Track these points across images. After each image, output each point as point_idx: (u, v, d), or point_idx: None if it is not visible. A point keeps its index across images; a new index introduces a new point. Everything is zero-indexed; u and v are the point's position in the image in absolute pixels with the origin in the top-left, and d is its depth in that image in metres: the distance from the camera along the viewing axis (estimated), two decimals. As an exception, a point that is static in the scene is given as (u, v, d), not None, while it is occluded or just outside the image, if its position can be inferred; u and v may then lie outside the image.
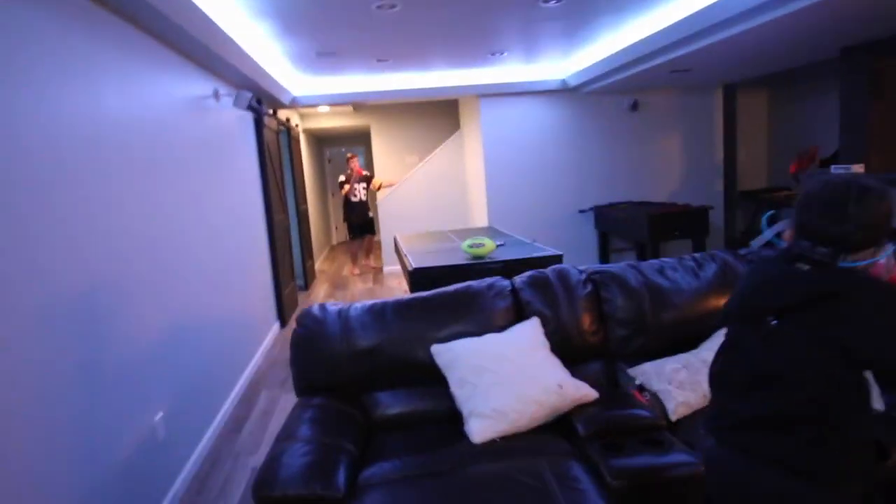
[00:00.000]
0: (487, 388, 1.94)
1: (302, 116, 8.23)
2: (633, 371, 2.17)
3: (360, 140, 10.94)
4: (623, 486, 1.60)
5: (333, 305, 2.37)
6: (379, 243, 7.65)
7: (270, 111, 5.33)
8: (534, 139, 6.34)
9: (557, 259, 3.68)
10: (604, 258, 6.56)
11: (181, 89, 3.15)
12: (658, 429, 1.85)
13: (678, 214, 5.27)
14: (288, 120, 6.35)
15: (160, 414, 2.43)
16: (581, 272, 2.42)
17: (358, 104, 7.42)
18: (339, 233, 11.08)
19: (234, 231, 4.05)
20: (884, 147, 4.36)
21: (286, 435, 1.87)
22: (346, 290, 6.72)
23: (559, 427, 1.94)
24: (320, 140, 10.13)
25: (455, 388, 2.01)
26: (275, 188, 5.25)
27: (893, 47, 4.13)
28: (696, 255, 2.52)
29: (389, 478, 1.75)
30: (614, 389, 2.14)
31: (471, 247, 3.75)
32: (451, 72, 5.81)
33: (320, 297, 6.41)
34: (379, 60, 4.76)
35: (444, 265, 3.61)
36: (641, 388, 2.10)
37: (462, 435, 1.95)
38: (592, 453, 1.75)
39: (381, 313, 2.27)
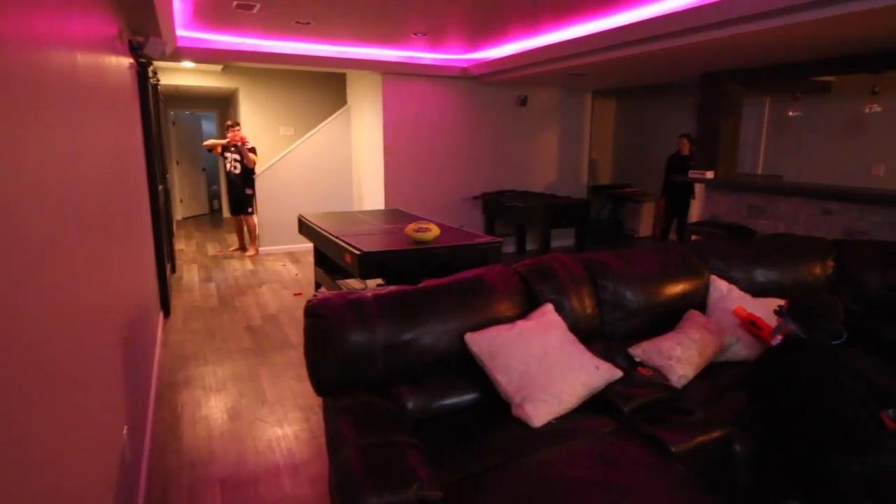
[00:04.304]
0: (537, 372, 2.01)
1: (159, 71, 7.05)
2: (632, 350, 2.42)
3: (215, 104, 9.78)
4: (682, 451, 1.83)
5: (343, 295, 2.19)
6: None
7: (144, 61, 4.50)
8: (433, 123, 6.40)
9: (497, 246, 3.84)
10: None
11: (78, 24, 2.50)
12: (678, 398, 2.13)
13: (567, 206, 5.84)
14: (155, 73, 5.42)
15: (125, 428, 1.99)
16: (574, 260, 2.59)
17: (229, 64, 6.63)
18: (185, 206, 9.81)
19: (124, 203, 3.38)
20: (728, 157, 5.40)
21: (339, 443, 1.70)
22: (222, 271, 6.03)
23: (593, 404, 2.10)
24: (167, 99, 8.76)
25: (499, 375, 2.04)
26: (156, 152, 4.48)
27: (738, 77, 5.11)
28: (658, 245, 2.88)
29: (468, 472, 1.73)
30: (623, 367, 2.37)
31: (417, 231, 3.71)
32: (350, 48, 5.54)
33: (195, 281, 5.66)
34: (298, 23, 4.34)
35: (394, 249, 3.52)
36: (642, 364, 2.37)
37: (507, 420, 1.99)
38: (642, 427, 1.94)
39: (403, 302, 2.17)
